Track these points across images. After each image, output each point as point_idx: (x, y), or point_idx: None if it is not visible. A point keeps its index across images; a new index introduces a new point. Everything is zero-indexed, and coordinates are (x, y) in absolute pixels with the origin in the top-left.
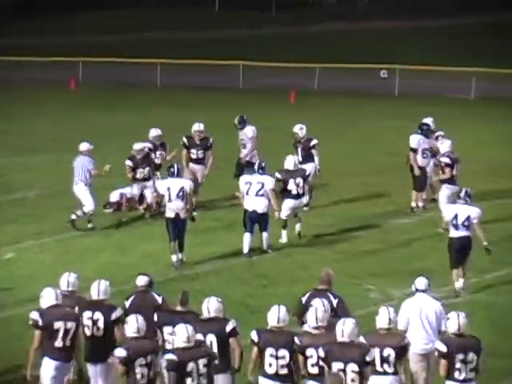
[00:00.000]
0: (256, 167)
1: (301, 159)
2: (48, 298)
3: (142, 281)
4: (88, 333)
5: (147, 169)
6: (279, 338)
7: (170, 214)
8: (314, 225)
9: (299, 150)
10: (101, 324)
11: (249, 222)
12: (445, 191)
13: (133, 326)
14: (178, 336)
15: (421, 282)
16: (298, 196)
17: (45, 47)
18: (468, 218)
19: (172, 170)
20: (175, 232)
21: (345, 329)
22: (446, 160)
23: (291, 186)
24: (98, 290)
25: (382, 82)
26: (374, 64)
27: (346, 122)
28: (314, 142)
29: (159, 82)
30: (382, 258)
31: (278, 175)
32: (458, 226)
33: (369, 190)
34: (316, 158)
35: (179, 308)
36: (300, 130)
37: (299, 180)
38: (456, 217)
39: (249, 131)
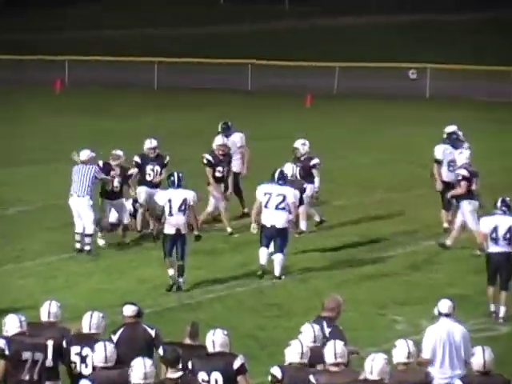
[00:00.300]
0: (276, 176)
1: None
2: (11, 325)
3: (129, 311)
4: (75, 370)
5: (116, 180)
6: (303, 374)
7: (169, 229)
8: (332, 246)
9: (298, 168)
10: (89, 361)
11: (265, 239)
12: (467, 207)
13: (100, 354)
14: (134, 371)
15: (444, 305)
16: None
17: (30, 44)
18: (510, 230)
19: (172, 178)
20: (172, 249)
21: (374, 365)
22: (464, 172)
23: None
24: (90, 323)
25: (411, 83)
26: (402, 63)
27: (369, 128)
28: (315, 161)
29: (157, 83)
30: (409, 283)
31: None
32: (499, 239)
33: (394, 206)
34: (316, 180)
35: (188, 341)
36: (302, 145)
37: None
38: (496, 229)
39: (237, 139)
